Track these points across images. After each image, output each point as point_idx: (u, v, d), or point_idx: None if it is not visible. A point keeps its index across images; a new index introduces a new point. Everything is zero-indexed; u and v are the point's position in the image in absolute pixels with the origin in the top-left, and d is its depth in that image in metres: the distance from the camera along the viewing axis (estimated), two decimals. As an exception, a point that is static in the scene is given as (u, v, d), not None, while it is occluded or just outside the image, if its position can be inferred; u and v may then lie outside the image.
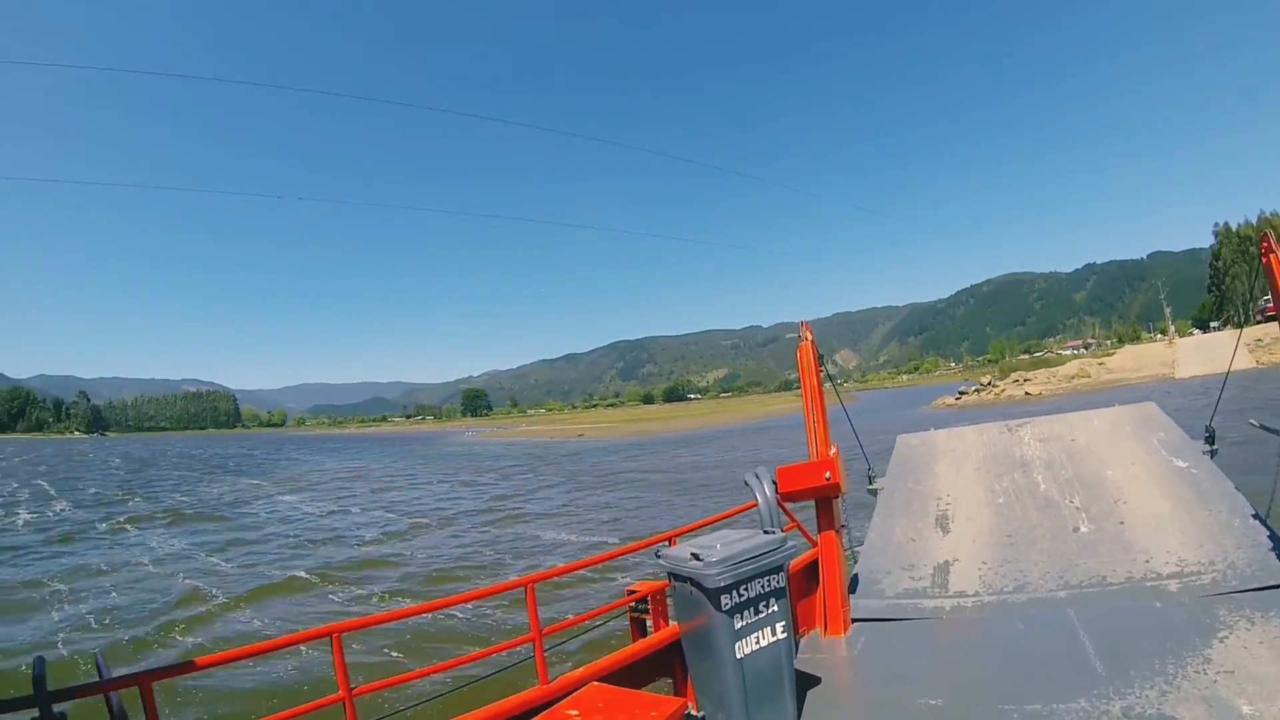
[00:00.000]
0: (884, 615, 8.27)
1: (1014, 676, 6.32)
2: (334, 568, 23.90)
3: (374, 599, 19.78)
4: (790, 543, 6.43)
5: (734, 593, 5.91)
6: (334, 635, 5.24)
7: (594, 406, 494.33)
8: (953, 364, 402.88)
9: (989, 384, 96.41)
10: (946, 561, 9.00)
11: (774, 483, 7.92)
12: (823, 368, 9.11)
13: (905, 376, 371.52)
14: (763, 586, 6.11)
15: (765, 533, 6.56)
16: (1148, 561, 8.17)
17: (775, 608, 6.18)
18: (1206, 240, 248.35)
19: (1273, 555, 7.75)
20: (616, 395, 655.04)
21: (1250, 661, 5.93)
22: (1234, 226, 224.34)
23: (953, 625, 7.82)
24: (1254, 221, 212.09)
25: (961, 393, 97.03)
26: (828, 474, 7.70)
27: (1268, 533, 8.15)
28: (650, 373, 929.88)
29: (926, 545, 9.47)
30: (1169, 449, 10.46)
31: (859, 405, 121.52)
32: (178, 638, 16.78)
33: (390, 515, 36.48)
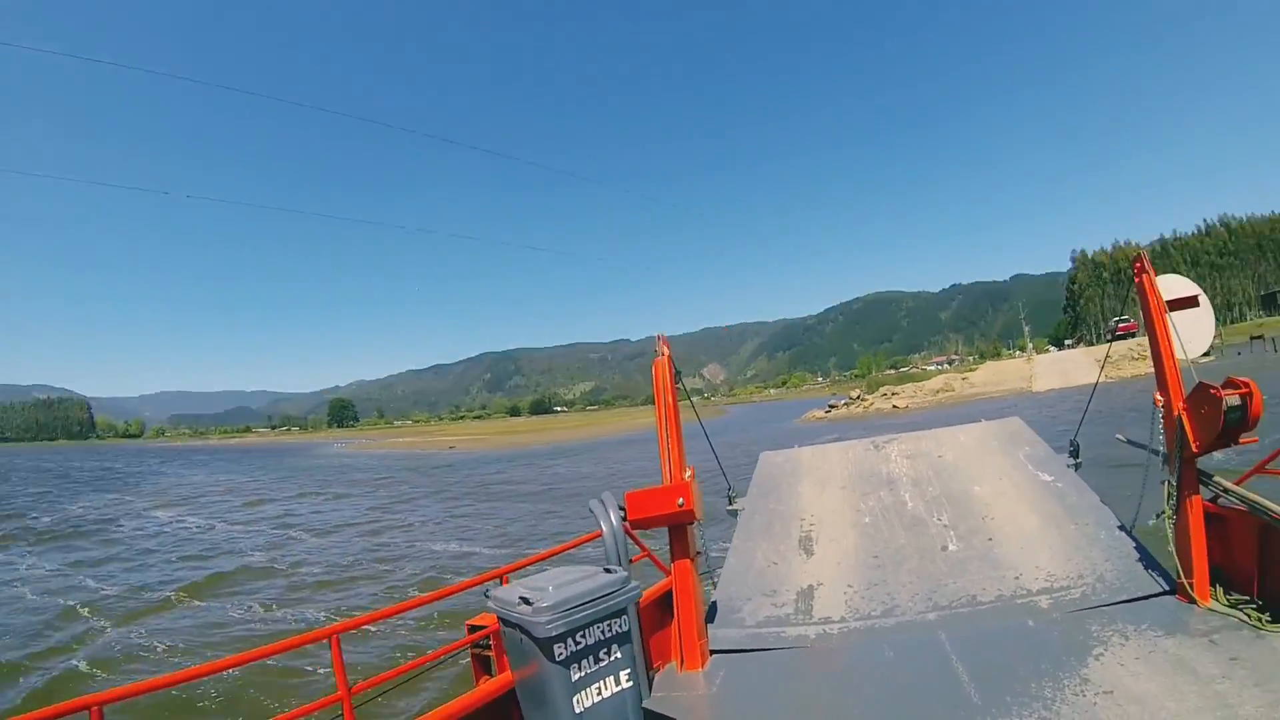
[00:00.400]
0: (744, 646, 7.75)
1: (885, 709, 5.94)
2: (216, 582, 23.17)
3: (271, 608, 19.37)
4: (633, 583, 5.86)
5: (569, 641, 5.28)
6: (93, 708, 4.33)
7: (461, 418, 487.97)
8: (820, 379, 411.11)
9: (858, 398, 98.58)
10: (810, 586, 8.58)
11: (622, 509, 7.24)
12: (680, 384, 8.46)
13: (773, 390, 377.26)
14: (602, 633, 5.50)
15: (605, 570, 5.93)
16: (1017, 578, 8.07)
17: (618, 655, 5.58)
18: (1065, 265, 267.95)
19: (1140, 566, 7.88)
20: (484, 407, 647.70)
21: (1128, 679, 5.83)
22: (1090, 253, 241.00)
23: (818, 654, 7.37)
24: (1109, 249, 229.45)
25: (832, 406, 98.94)
26: (680, 500, 7.06)
27: (1134, 544, 8.23)
28: (518, 385, 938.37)
29: (789, 569, 9.02)
30: (1035, 463, 10.52)
31: (729, 418, 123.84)
32: (52, 662, 15.83)
33: (270, 529, 35.42)
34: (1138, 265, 8.13)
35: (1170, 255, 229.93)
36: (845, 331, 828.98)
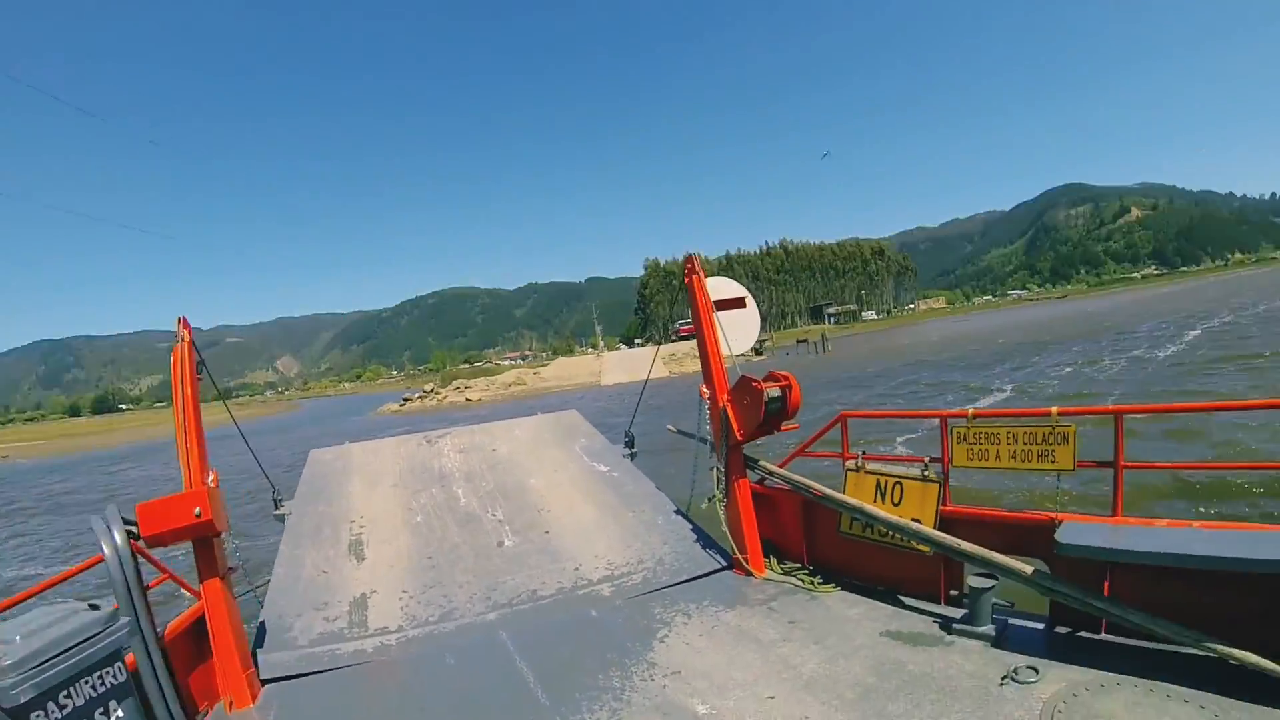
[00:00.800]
0: (298, 670, 6.95)
1: None
2: None
3: None
4: (122, 619, 4.87)
5: (49, 707, 4.19)
6: None
7: (11, 421, 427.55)
8: (395, 372, 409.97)
9: (432, 391, 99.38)
10: (364, 594, 8.07)
11: (132, 525, 5.82)
12: (202, 374, 7.29)
13: (348, 384, 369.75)
14: (94, 688, 4.46)
15: (91, 606, 4.83)
16: (577, 569, 8.26)
17: (120, 713, 4.59)
18: (638, 271, 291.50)
19: (698, 546, 8.56)
20: (38, 407, 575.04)
21: (694, 657, 6.10)
22: (661, 261, 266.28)
23: (377, 670, 6.85)
24: (678, 259, 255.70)
25: (406, 399, 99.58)
26: (198, 510, 5.98)
27: (691, 526, 8.87)
28: (77, 379, 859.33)
29: (341, 577, 8.42)
30: (591, 455, 11.01)
31: (302, 413, 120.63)
32: None
33: None
34: (689, 266, 8.62)
35: (734, 268, 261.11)
36: (420, 325, 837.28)
